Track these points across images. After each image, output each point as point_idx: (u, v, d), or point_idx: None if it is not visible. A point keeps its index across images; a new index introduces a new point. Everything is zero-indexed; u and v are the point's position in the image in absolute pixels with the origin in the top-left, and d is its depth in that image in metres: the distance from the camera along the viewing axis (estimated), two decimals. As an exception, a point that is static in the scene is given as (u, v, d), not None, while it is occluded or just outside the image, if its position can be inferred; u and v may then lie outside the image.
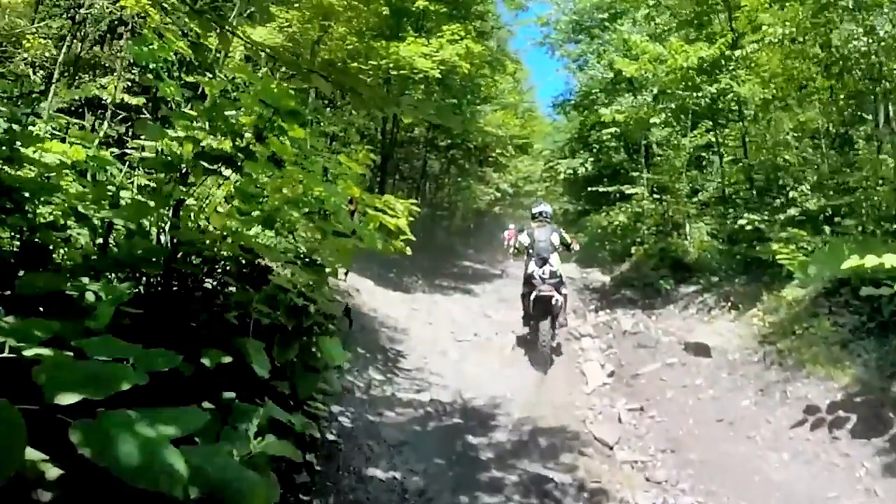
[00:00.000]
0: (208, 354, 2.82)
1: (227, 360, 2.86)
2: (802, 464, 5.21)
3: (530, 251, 8.48)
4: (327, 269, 4.78)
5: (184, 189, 3.65)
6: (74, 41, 9.38)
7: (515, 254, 9.23)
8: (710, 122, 14.13)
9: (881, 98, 8.87)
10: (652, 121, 11.25)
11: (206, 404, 2.63)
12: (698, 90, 10.68)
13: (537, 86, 74.94)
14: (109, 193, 3.77)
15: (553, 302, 7.89)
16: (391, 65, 11.70)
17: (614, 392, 7.51)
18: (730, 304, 8.89)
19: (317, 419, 4.19)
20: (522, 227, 9.45)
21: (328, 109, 13.21)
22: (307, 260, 4.36)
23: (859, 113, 9.89)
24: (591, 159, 19.12)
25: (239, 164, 4.03)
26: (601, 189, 15.77)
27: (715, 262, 11.86)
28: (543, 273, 8.17)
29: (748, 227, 9.04)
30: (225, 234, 3.71)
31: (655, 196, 14.77)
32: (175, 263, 3.32)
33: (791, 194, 8.54)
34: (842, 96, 9.74)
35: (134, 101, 8.42)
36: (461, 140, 21.78)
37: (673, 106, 10.92)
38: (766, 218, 9.01)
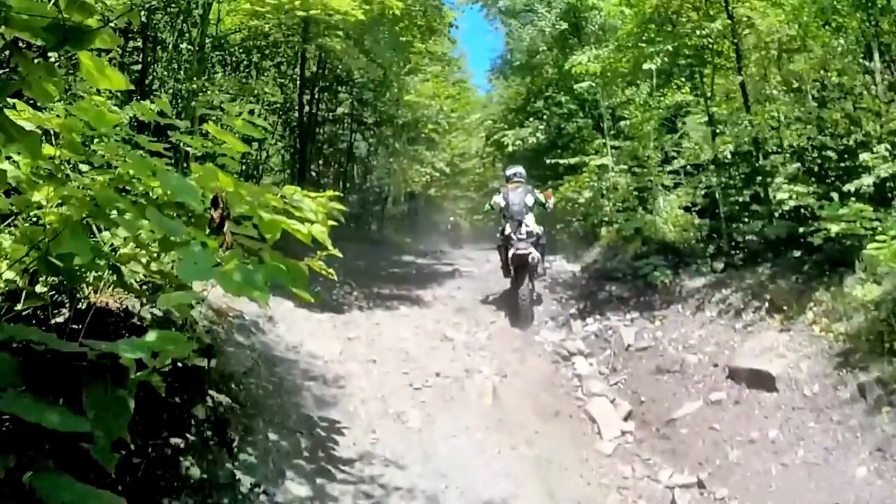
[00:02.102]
0: None
1: None
2: None
3: (505, 213, 8.84)
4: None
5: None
6: None
7: (487, 211, 9.73)
8: (683, 78, 12.18)
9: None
10: (645, 67, 8.87)
11: None
12: (699, 27, 8.42)
13: (467, 51, 71.16)
14: None
15: (530, 259, 8.23)
16: (297, 3, 8.89)
17: (644, 449, 5.28)
18: (766, 304, 6.75)
19: None
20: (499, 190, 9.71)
21: (223, 73, 10.52)
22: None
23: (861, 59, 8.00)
24: (542, 127, 16.81)
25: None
26: (561, 161, 13.52)
27: (699, 243, 9.90)
28: (520, 234, 8.50)
29: (790, 202, 6.90)
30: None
31: (623, 167, 12.65)
32: None
33: (862, 157, 6.35)
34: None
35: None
36: (390, 116, 19.27)
37: (670, 48, 8.58)
38: (815, 190, 6.88)
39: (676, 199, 11.63)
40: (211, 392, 3.95)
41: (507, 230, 8.65)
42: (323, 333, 6.52)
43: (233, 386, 4.32)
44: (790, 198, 6.94)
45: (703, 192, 11.27)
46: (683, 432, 5.31)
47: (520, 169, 9.46)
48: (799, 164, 8.11)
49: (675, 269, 8.91)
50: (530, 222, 8.61)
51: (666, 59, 8.78)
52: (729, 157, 8.38)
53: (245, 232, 2.93)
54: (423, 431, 4.70)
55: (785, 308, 6.48)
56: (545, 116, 17.05)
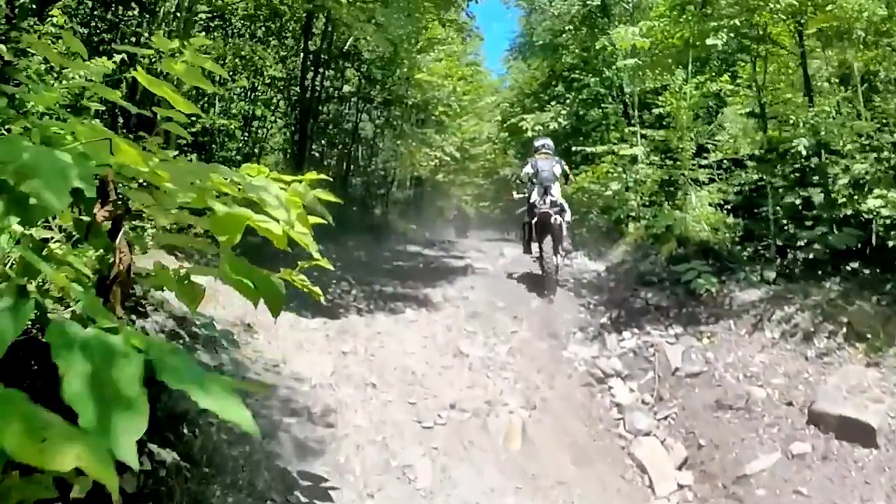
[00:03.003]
0: None
1: None
2: None
3: (534, 181, 9.05)
4: None
5: None
6: None
7: (519, 186, 9.75)
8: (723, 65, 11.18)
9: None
10: (709, 42, 7.68)
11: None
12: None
13: (481, 29, 69.34)
14: None
15: (552, 221, 8.46)
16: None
17: (711, 514, 4.21)
18: (844, 329, 5.66)
19: None
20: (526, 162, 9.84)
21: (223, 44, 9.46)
22: None
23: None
24: (564, 112, 15.65)
25: None
26: (588, 149, 12.42)
27: (736, 245, 8.90)
28: (544, 203, 8.63)
29: (883, 210, 5.80)
30: None
31: (653, 158, 11.58)
32: None
33: None
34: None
35: None
36: (399, 96, 18.09)
37: (737, 22, 7.39)
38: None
39: (707, 196, 10.61)
40: (152, 445, 2.88)
41: (533, 197, 8.92)
42: (312, 346, 5.43)
43: (185, 431, 3.24)
44: (885, 206, 5.80)
45: (735, 190, 10.28)
46: (760, 494, 4.22)
47: (548, 140, 9.73)
48: (869, 165, 6.99)
49: (718, 276, 7.82)
50: (556, 193, 8.83)
51: (732, 34, 7.57)
52: (803, 151, 7.20)
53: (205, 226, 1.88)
54: (435, 495, 3.60)
55: (868, 336, 5.40)
56: (567, 101, 15.90)
